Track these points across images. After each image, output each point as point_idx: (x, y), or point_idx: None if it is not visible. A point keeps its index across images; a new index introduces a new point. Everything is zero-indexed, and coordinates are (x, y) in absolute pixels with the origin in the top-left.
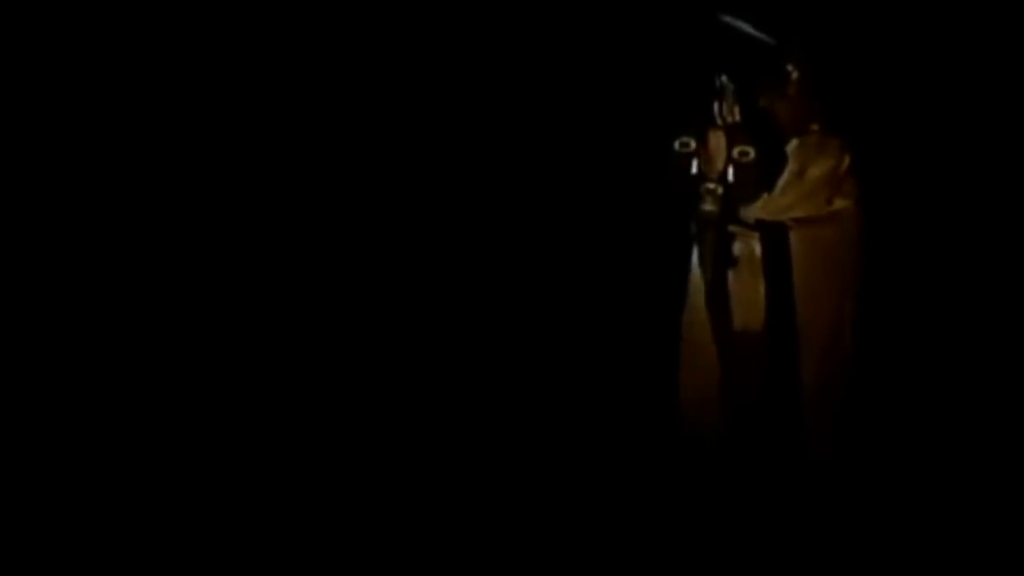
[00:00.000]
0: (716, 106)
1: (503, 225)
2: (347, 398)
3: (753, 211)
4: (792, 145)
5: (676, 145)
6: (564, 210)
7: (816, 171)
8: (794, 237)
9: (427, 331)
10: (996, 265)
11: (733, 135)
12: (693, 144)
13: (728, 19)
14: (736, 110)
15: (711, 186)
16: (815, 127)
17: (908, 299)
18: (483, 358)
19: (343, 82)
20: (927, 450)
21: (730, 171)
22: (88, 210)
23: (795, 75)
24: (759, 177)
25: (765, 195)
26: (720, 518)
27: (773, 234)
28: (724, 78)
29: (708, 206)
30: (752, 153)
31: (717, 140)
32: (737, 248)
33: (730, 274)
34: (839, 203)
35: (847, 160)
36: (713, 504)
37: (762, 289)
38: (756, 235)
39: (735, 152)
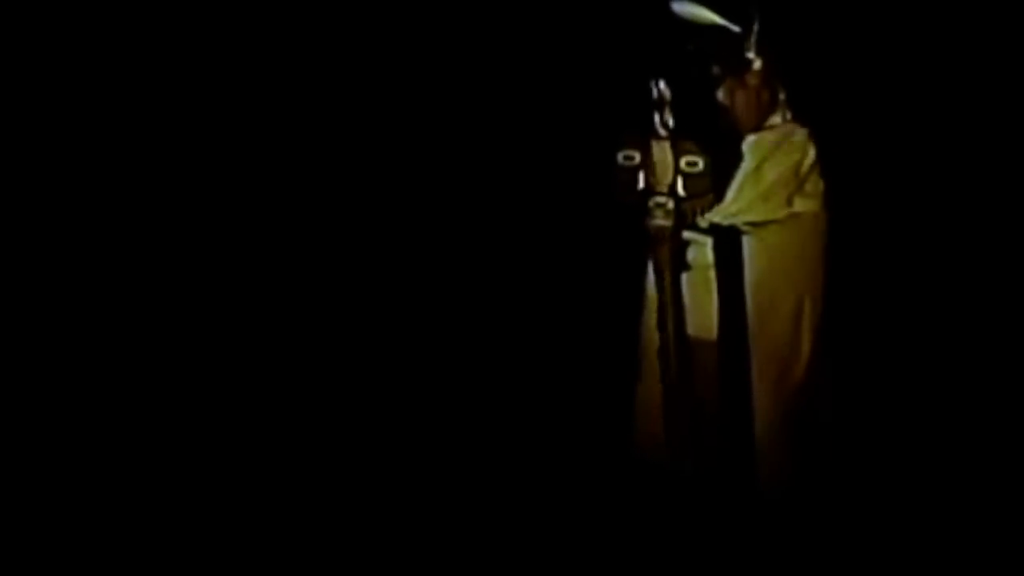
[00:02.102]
0: (656, 116)
1: (447, 240)
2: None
3: (706, 215)
4: (750, 141)
5: (620, 159)
6: (510, 224)
7: (775, 169)
8: (747, 243)
9: (367, 339)
10: (980, 274)
11: (679, 144)
12: (638, 156)
13: (683, 4)
14: (678, 117)
15: (661, 200)
16: (777, 120)
17: (878, 315)
18: (429, 367)
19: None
20: (897, 489)
21: (679, 183)
22: (88, 210)
23: (757, 63)
24: (712, 186)
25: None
26: (671, 541)
27: (726, 239)
28: (661, 84)
29: (660, 221)
30: (701, 163)
31: (662, 151)
32: (690, 255)
33: (684, 284)
34: (800, 204)
35: (811, 155)
36: (665, 527)
37: (715, 300)
38: (709, 240)
39: (682, 163)
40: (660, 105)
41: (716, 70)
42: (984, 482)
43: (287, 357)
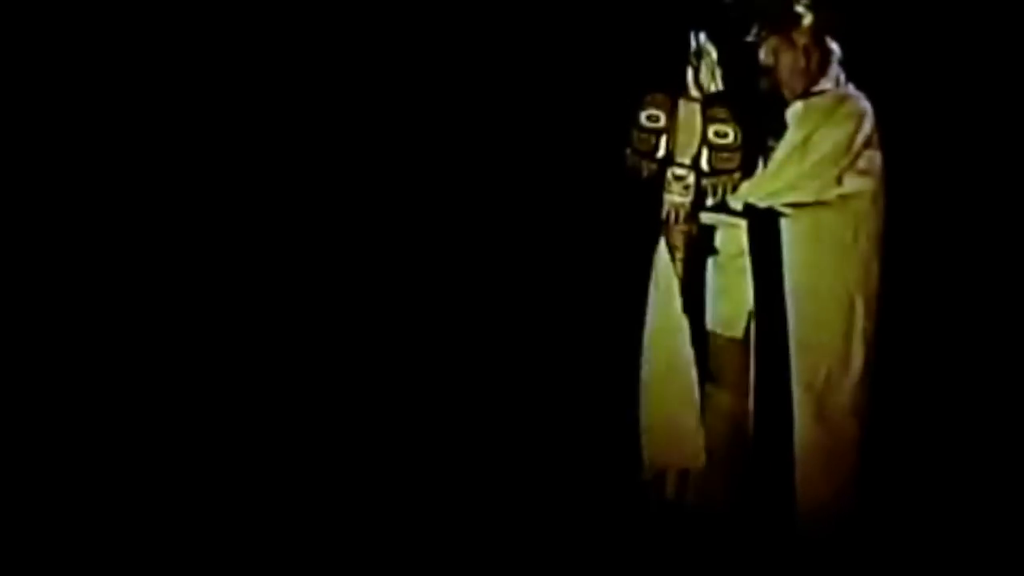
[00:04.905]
0: (690, 72)
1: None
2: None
3: (740, 193)
4: (796, 109)
5: (642, 119)
6: (505, 194)
7: (824, 142)
8: (789, 227)
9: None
10: None
11: (710, 110)
12: (663, 118)
13: None
14: (715, 78)
15: (681, 172)
16: (828, 86)
17: (944, 318)
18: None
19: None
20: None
21: (704, 155)
22: (88, 210)
23: (807, 19)
24: (742, 164)
25: (758, 172)
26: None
27: (763, 223)
28: (702, 38)
29: (677, 197)
30: (732, 135)
31: (690, 115)
32: (719, 239)
33: (709, 269)
34: (851, 184)
35: (866, 128)
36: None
37: (748, 294)
38: (743, 224)
39: (711, 132)
40: (697, 60)
41: (759, 27)
42: None
43: (286, 356)
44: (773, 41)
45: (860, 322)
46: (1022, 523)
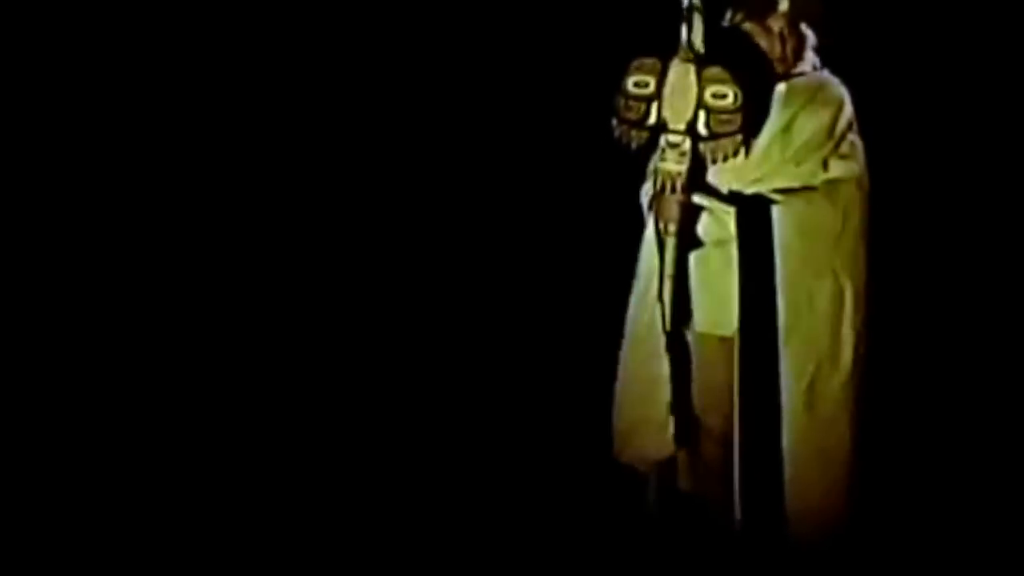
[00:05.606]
0: (684, 32)
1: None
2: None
3: (724, 180)
4: (779, 90)
5: (630, 84)
6: (484, 167)
7: (807, 125)
8: (778, 214)
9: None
10: None
11: (706, 71)
12: (652, 84)
13: None
14: (709, 38)
15: (676, 139)
16: (807, 68)
17: (935, 304)
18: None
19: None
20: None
21: (701, 119)
22: (88, 210)
23: (783, 5)
24: (741, 128)
25: (741, 158)
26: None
27: (750, 210)
28: None
29: (671, 164)
30: (732, 95)
31: (684, 77)
32: (703, 227)
33: (693, 260)
34: (836, 169)
35: (847, 112)
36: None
37: (735, 283)
38: (730, 211)
39: (708, 94)
40: (690, 18)
41: (733, 13)
42: None
43: (285, 357)
44: (748, 27)
45: (850, 311)
46: (1020, 521)
